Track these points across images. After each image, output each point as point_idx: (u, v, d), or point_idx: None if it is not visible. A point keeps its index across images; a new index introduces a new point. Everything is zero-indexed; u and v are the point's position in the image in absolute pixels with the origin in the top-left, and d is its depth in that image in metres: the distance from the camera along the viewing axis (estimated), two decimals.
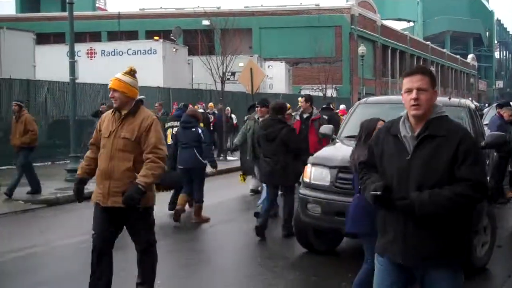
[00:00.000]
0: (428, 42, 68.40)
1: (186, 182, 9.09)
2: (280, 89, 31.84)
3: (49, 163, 16.81)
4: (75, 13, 13.93)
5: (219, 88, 19.38)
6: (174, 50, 26.18)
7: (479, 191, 3.01)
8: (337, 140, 7.40)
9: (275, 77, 32.14)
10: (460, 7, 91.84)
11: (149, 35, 37.48)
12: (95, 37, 39.92)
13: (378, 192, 3.05)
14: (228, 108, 20.13)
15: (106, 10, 58.99)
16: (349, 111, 8.67)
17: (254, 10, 44.87)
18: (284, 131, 7.82)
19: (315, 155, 6.99)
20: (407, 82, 3.16)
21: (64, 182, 12.40)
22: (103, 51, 25.99)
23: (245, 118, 12.14)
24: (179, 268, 6.70)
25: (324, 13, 43.86)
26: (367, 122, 4.91)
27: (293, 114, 10.30)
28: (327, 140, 8.20)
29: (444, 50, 76.36)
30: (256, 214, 8.48)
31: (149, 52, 25.23)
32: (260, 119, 9.23)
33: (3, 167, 14.37)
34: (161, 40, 26.12)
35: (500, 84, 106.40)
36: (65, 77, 14.53)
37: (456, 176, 3.01)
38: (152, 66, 24.01)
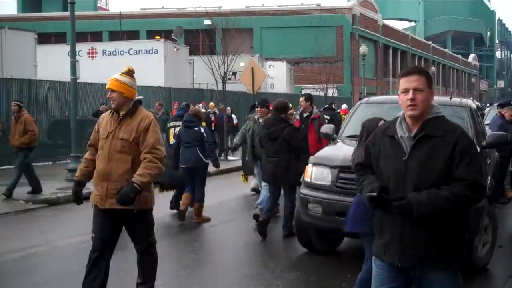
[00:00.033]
0: (430, 42, 68.38)
1: (188, 182, 9.12)
2: (281, 89, 31.84)
3: (50, 162, 16.80)
4: (77, 13, 13.93)
5: (220, 88, 19.38)
6: (175, 49, 26.18)
7: (477, 191, 3.01)
8: (338, 140, 7.39)
9: (276, 77, 32.14)
10: (461, 7, 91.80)
11: (151, 35, 37.51)
12: (96, 37, 39.97)
13: (374, 193, 3.04)
14: (228, 108, 20.12)
15: (108, 10, 59.05)
16: (350, 110, 8.66)
17: (255, 10, 44.88)
18: (286, 130, 7.82)
19: (316, 154, 6.98)
20: (403, 83, 3.15)
21: (65, 182, 12.41)
22: (104, 51, 26.00)
23: (246, 118, 12.14)
24: (180, 268, 6.69)
25: (326, 13, 43.84)
26: (369, 122, 4.90)
27: (293, 113, 10.29)
28: (327, 139, 8.19)
29: (446, 50, 76.34)
30: (255, 217, 8.52)
31: (151, 52, 25.24)
32: (260, 119, 9.23)
33: (3, 167, 14.37)
34: (162, 40, 26.11)
35: (501, 84, 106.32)
36: (66, 77, 14.54)
37: (454, 176, 3.00)
38: (153, 66, 24.04)
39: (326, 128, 8.03)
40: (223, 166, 10.89)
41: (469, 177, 2.98)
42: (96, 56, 25.66)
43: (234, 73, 23.77)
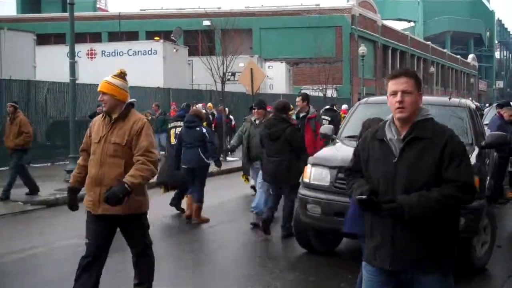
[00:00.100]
0: (429, 42, 68.39)
1: (190, 182, 9.13)
2: (281, 90, 31.83)
3: (49, 164, 16.79)
4: (76, 13, 13.91)
5: (219, 89, 19.38)
6: (174, 50, 26.18)
7: (468, 192, 3.02)
8: (337, 140, 7.39)
9: (276, 78, 32.14)
10: (460, 7, 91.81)
11: (150, 35, 37.46)
12: (95, 37, 39.90)
13: (364, 196, 3.04)
14: (226, 108, 20.11)
15: (107, 11, 58.98)
16: (349, 111, 8.66)
17: (255, 11, 44.87)
18: (288, 130, 7.83)
19: (315, 155, 6.98)
20: (392, 85, 3.15)
21: (64, 183, 12.38)
22: (103, 52, 25.99)
23: (244, 119, 12.14)
24: (179, 269, 6.69)
25: (325, 13, 43.84)
26: (369, 121, 4.90)
27: (290, 113, 10.31)
28: (326, 139, 8.20)
29: (445, 50, 76.36)
30: (253, 225, 8.56)
31: (150, 52, 25.22)
32: (257, 121, 9.23)
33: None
34: (161, 41, 26.11)
35: (500, 84, 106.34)
36: (65, 77, 14.53)
37: (443, 178, 3.00)
38: (152, 66, 24.06)
39: (325, 129, 8.04)
40: (223, 166, 10.89)
41: (460, 178, 2.98)
42: (95, 57, 25.65)
43: (233, 74, 23.77)
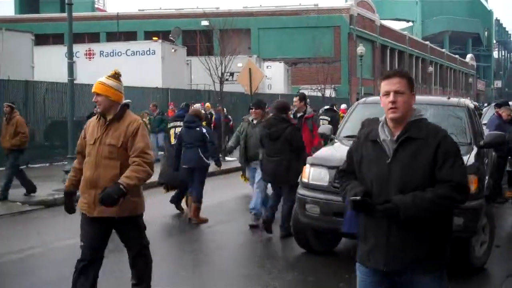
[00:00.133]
0: (427, 42, 68.45)
1: (190, 182, 9.13)
2: (279, 90, 31.82)
3: (47, 164, 16.77)
4: (74, 14, 13.89)
5: (217, 89, 19.38)
6: (173, 50, 26.17)
7: (462, 192, 3.01)
8: (336, 140, 7.39)
9: (274, 78, 32.11)
10: (459, 7, 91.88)
11: (148, 35, 37.45)
12: (93, 38, 39.90)
13: (358, 197, 3.02)
14: (224, 108, 20.11)
15: (105, 11, 58.96)
16: (348, 111, 8.66)
17: (253, 11, 44.89)
18: (288, 130, 7.84)
19: (313, 155, 6.98)
20: (385, 85, 3.15)
21: (62, 183, 12.33)
22: (101, 52, 25.94)
23: (242, 119, 12.13)
24: (178, 269, 6.68)
25: (323, 13, 43.88)
26: (369, 121, 4.90)
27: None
28: (325, 139, 8.21)
29: (443, 50, 76.42)
30: (252, 227, 8.56)
31: (148, 52, 25.19)
32: (254, 121, 9.23)
33: None
34: (160, 41, 26.08)
35: (498, 83, 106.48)
36: (63, 78, 14.51)
37: (437, 178, 3.00)
38: (151, 66, 24.02)
39: (324, 129, 8.03)
40: (222, 166, 10.91)
41: (454, 178, 2.98)
42: (93, 57, 25.61)
43: (232, 74, 23.77)
